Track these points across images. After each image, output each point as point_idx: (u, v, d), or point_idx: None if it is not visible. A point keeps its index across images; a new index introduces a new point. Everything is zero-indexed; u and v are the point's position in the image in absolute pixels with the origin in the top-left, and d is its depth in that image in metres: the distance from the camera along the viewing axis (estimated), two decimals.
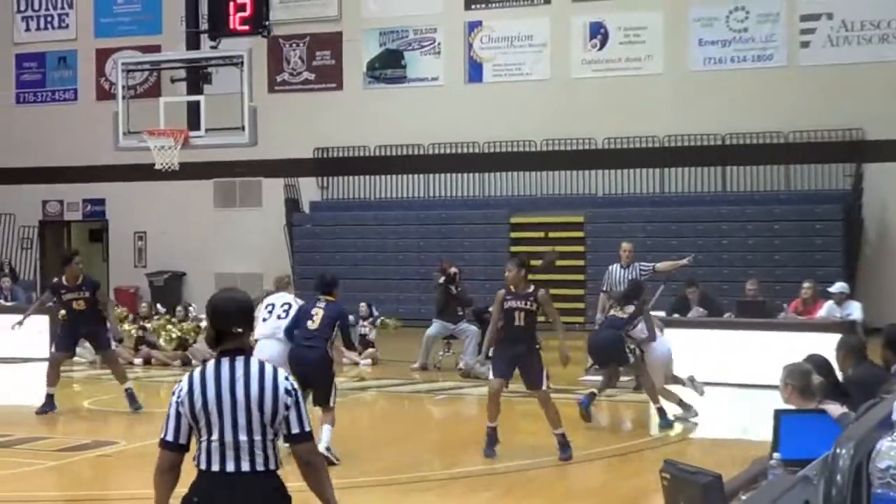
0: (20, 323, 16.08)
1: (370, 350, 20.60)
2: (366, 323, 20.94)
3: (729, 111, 26.68)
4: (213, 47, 21.42)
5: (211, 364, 5.33)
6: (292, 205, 29.41)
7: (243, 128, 19.81)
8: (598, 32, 28.43)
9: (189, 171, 23.40)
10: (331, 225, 29.02)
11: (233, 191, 30.48)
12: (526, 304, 12.15)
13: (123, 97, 20.90)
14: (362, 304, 21.23)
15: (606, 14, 28.26)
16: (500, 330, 12.31)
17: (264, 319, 13.07)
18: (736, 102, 26.73)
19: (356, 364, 20.06)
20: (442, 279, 19.46)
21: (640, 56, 28.08)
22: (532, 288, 12.29)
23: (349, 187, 29.92)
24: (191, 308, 21.36)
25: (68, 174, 31.36)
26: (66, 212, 32.45)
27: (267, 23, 20.96)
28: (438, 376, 18.86)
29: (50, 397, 15.16)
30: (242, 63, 19.77)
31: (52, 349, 15.35)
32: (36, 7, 32.83)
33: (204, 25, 21.74)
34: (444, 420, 15.91)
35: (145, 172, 23.66)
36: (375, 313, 21.34)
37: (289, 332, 12.43)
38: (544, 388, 12.12)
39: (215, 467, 5.27)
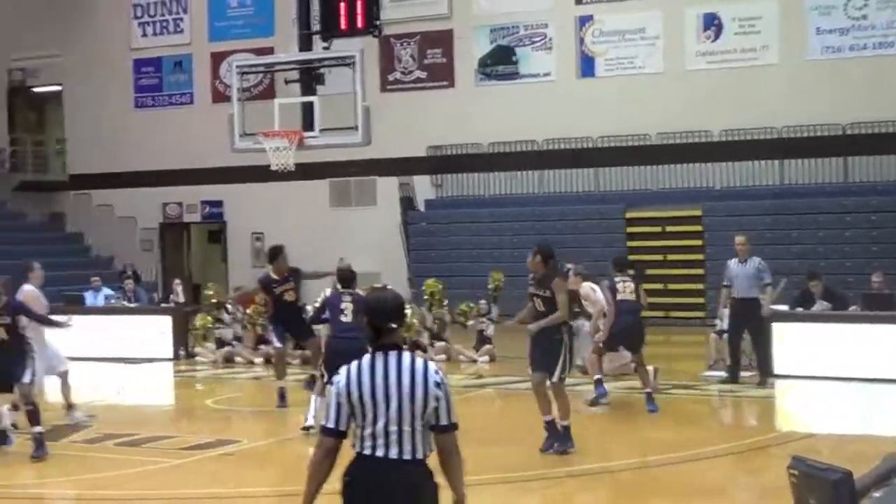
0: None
1: (487, 347, 20.54)
2: (484, 319, 20.87)
3: (849, 100, 26.13)
4: (325, 48, 21.55)
5: (367, 357, 5.67)
6: (407, 203, 29.52)
7: (357, 127, 19.89)
8: (712, 24, 28.06)
9: (304, 172, 23.53)
10: (446, 223, 29.06)
11: (348, 190, 30.69)
12: (542, 291, 12.12)
13: (238, 99, 21.13)
14: (482, 301, 21.17)
15: (720, 5, 27.89)
16: (523, 318, 12.50)
17: None
18: (856, 91, 26.16)
19: (474, 361, 20.05)
20: None
21: (756, 46, 27.65)
22: (549, 275, 12.23)
23: (463, 185, 29.93)
24: (307, 308, 21.46)
25: (186, 177, 31.86)
26: (186, 214, 32.96)
27: (378, 22, 21.01)
28: None
29: (282, 391, 15.36)
30: (355, 63, 19.85)
31: (276, 344, 15.47)
32: (152, 13, 33.39)
33: (316, 26, 21.88)
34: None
35: (261, 173, 23.88)
36: (494, 311, 21.23)
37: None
38: (555, 379, 11.95)
39: (367, 452, 5.62)
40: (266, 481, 11.88)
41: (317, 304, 15.05)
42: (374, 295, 5.95)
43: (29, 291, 14.04)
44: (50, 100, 35.80)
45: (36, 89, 35.77)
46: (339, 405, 5.67)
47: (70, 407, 14.52)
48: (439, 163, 29.96)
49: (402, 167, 29.53)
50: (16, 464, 12.20)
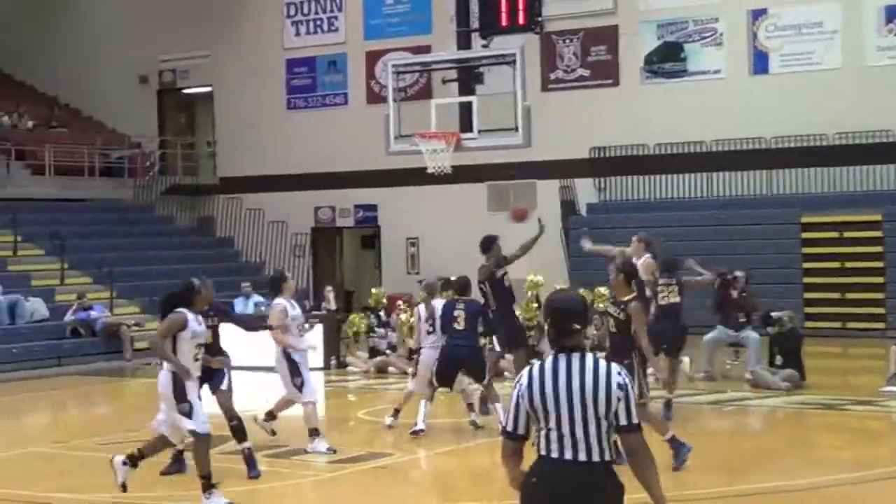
0: None
1: None
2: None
3: None
4: (484, 46, 21.70)
5: (549, 360, 5.85)
6: (568, 207, 29.53)
7: (517, 128, 19.98)
8: (895, 17, 27.53)
9: (461, 175, 23.69)
10: (609, 227, 28.93)
11: (506, 194, 30.77)
12: (617, 311, 12.11)
13: (394, 100, 21.40)
14: None
15: None
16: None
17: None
18: None
19: None
20: (717, 282, 19.15)
21: None
22: (631, 296, 12.13)
23: (628, 188, 29.83)
24: None
25: (340, 180, 32.32)
26: (339, 218, 33.45)
27: (539, 18, 21.12)
28: (725, 386, 18.61)
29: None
30: (515, 61, 19.95)
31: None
32: (305, 11, 33.99)
33: (475, 24, 22.07)
34: (732, 433, 15.66)
35: (417, 177, 24.12)
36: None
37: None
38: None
39: (553, 455, 5.79)
40: (418, 498, 12.06)
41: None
42: (557, 296, 6.14)
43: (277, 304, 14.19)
44: (200, 101, 36.70)
45: (186, 91, 36.70)
46: (517, 408, 5.85)
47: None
48: (602, 165, 29.91)
49: (563, 170, 29.55)
50: (156, 474, 12.53)
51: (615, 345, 12.14)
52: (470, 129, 20.64)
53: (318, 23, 33.89)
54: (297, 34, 34.19)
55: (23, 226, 28.72)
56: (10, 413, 19.34)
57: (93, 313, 25.71)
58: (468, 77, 21.36)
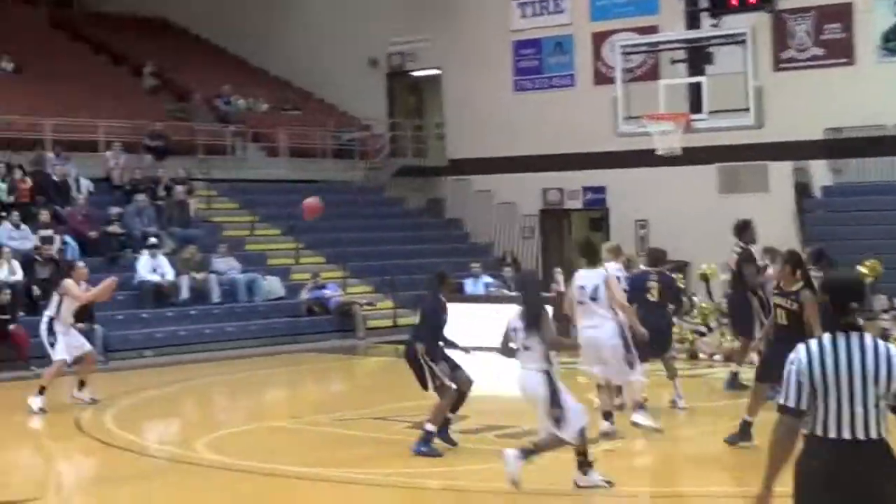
0: None
1: None
2: (887, 317, 20.28)
3: None
4: (713, 25, 21.52)
5: (828, 337, 5.91)
6: (802, 189, 28.96)
7: (748, 109, 19.80)
8: None
9: (691, 156, 23.49)
10: (845, 211, 28.31)
11: (737, 175, 30.33)
12: (787, 302, 11.92)
13: (622, 81, 21.42)
14: (881, 296, 20.61)
15: None
16: (770, 328, 12.64)
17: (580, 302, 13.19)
18: None
19: None
20: None
21: None
22: (799, 286, 11.94)
23: (865, 170, 29.00)
24: (695, 299, 21.49)
25: (568, 162, 32.31)
26: (567, 200, 33.47)
27: None
28: None
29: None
30: (746, 41, 19.78)
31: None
32: None
33: (704, 3, 21.90)
34: None
35: (646, 158, 24.07)
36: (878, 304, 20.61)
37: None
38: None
39: (832, 434, 5.82)
40: (637, 479, 12.11)
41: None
42: (836, 274, 6.28)
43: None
44: (429, 84, 37.16)
45: (415, 73, 37.24)
46: (799, 384, 5.88)
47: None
48: (838, 146, 29.17)
49: (796, 151, 28.94)
50: (392, 453, 12.84)
51: (788, 335, 11.42)
52: (699, 110, 20.55)
53: (545, 4, 33.93)
54: (524, 16, 34.30)
55: (259, 206, 29.69)
56: (249, 388, 20.06)
57: (326, 292, 26.45)
58: (697, 57, 21.27)
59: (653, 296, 14.54)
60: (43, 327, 16.69)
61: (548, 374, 10.54)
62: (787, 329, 11.84)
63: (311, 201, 18.07)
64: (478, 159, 33.93)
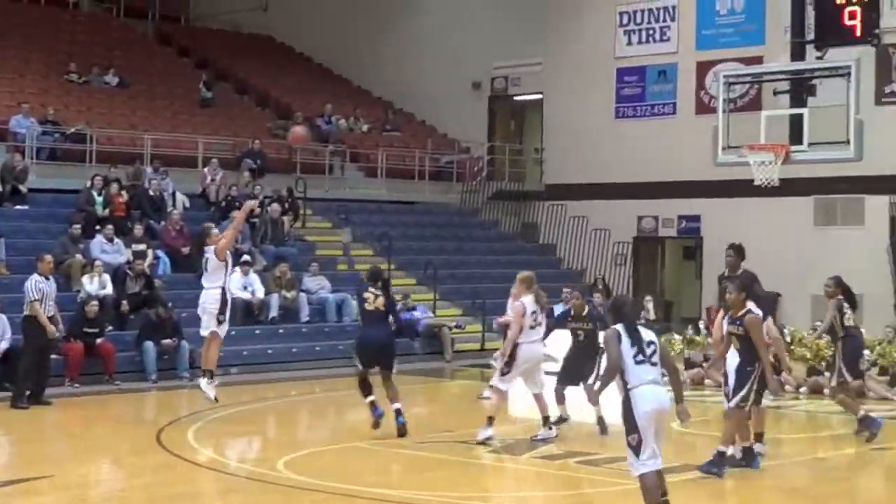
0: None
1: None
2: None
3: None
4: (818, 58, 21.20)
5: None
6: None
7: (848, 141, 19.46)
8: None
9: (788, 187, 23.14)
10: None
11: (834, 208, 29.83)
12: (735, 328, 12.91)
13: (724, 111, 21.14)
14: None
15: None
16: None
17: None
18: None
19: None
20: None
21: None
22: (744, 311, 12.90)
23: None
24: (786, 331, 21.10)
25: (664, 189, 32.01)
26: (661, 228, 33.15)
27: (877, 30, 20.46)
28: None
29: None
30: (850, 74, 19.43)
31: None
32: (638, 21, 33.86)
33: (810, 35, 21.57)
34: None
35: (743, 188, 23.73)
36: None
37: None
38: (731, 405, 12.98)
39: None
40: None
41: None
42: None
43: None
44: (530, 108, 37.07)
45: (517, 97, 37.16)
46: None
47: (546, 421, 15.17)
48: None
49: (894, 185, 28.37)
50: (473, 476, 12.72)
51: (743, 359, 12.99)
52: (800, 142, 20.22)
53: (651, 32, 33.70)
54: (629, 43, 34.08)
55: (354, 226, 29.73)
56: (334, 408, 20.03)
57: (416, 314, 26.37)
58: (800, 89, 20.92)
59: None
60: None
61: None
62: (742, 352, 12.91)
63: (299, 130, 20.04)
64: (575, 185, 33.75)
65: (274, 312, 24.61)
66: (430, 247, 30.79)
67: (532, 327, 15.02)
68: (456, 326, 26.42)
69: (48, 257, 18.96)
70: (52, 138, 27.88)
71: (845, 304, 16.18)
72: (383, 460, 14.27)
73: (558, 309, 25.32)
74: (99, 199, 25.25)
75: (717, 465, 12.87)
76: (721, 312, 14.35)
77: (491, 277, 29.54)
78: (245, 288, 24.31)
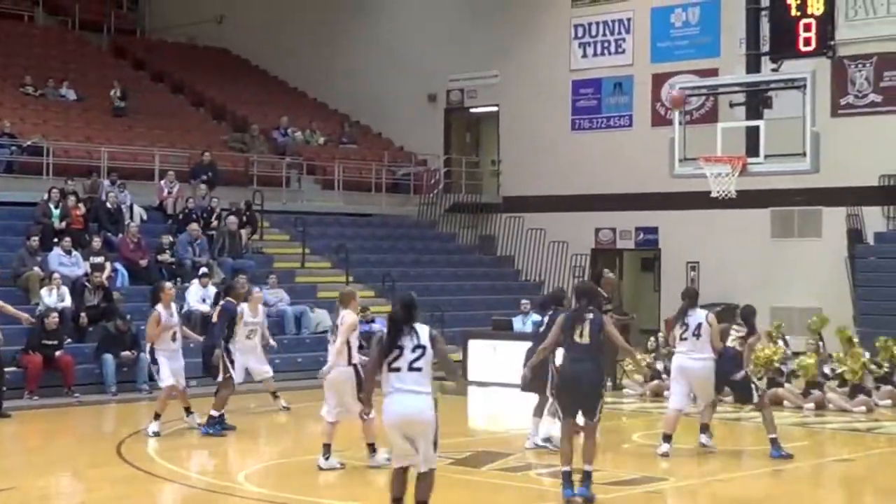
0: None
1: None
2: None
3: None
4: (774, 70, 21.38)
5: None
6: (855, 236, 28.64)
7: (804, 154, 19.63)
8: None
9: (745, 199, 23.34)
10: None
11: (791, 220, 30.09)
12: None
13: (680, 123, 21.29)
14: None
15: None
16: None
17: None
18: None
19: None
20: None
21: None
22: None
23: None
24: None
25: (622, 202, 32.20)
26: (619, 240, 33.32)
27: (832, 43, 20.65)
28: None
29: None
30: (805, 86, 19.61)
31: None
32: (593, 33, 34.02)
33: (765, 47, 21.75)
34: None
35: (700, 200, 23.94)
36: None
37: None
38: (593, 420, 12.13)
39: None
40: None
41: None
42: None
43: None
44: (486, 120, 37.16)
45: (473, 109, 37.23)
46: None
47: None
48: (893, 193, 28.85)
49: (851, 197, 28.65)
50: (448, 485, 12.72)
51: None
52: (756, 154, 20.37)
53: (606, 45, 33.88)
54: (584, 55, 34.24)
55: (311, 239, 29.69)
56: (294, 420, 19.94)
57: (374, 326, 26.31)
58: (756, 101, 21.09)
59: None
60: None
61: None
62: None
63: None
64: (532, 197, 33.90)
65: None
66: (387, 259, 30.80)
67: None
68: None
69: None
70: (8, 151, 27.74)
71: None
72: (342, 474, 14.22)
73: (517, 321, 25.48)
74: (56, 212, 25.10)
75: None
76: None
77: (449, 290, 29.62)
78: (203, 300, 24.19)
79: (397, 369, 9.70)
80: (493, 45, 35.18)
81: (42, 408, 19.77)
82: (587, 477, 11.84)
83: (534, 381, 14.51)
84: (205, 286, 24.36)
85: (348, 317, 14.21)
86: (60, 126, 30.23)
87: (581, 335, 12.04)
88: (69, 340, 21.59)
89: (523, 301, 26.46)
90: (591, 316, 12.13)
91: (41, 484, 13.83)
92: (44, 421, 18.85)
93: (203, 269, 24.88)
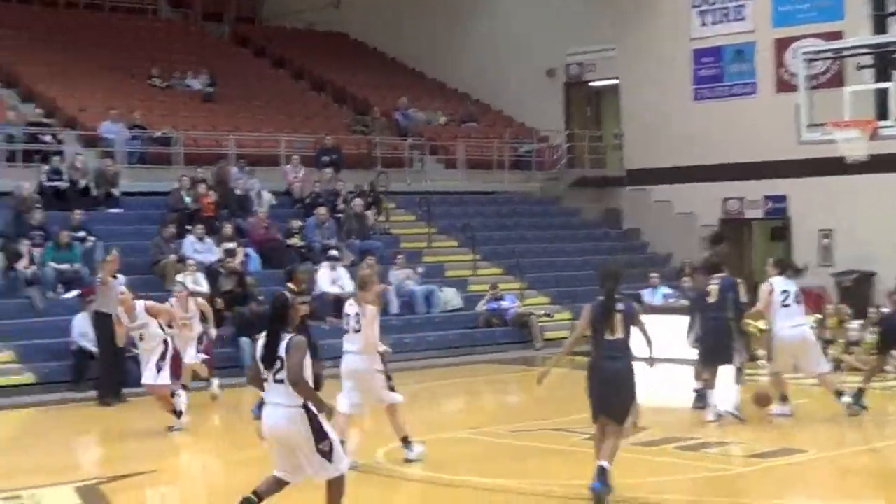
0: None
1: None
2: None
3: None
4: None
5: None
6: None
7: None
8: None
9: (879, 164, 22.92)
10: None
11: None
12: None
13: (805, 88, 21.01)
14: None
15: None
16: None
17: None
18: None
19: None
20: None
21: None
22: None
23: None
24: (883, 311, 20.84)
25: (748, 171, 31.74)
26: (746, 210, 32.89)
27: None
28: None
29: None
30: None
31: None
32: (712, 1, 33.61)
33: (892, 7, 21.39)
34: None
35: (830, 166, 23.59)
36: None
37: None
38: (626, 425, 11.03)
39: None
40: (826, 496, 11.81)
41: None
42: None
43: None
44: (606, 94, 36.93)
45: (593, 83, 37.04)
46: None
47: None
48: None
49: None
50: (569, 464, 12.77)
51: None
52: (886, 117, 20.05)
53: (725, 12, 33.42)
54: (704, 24, 33.84)
55: (437, 218, 29.87)
56: (427, 399, 20.13)
57: (504, 303, 26.47)
58: (884, 63, 20.75)
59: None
60: None
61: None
62: None
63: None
64: (656, 169, 33.60)
65: None
66: (512, 236, 30.86)
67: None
68: (544, 315, 26.46)
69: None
70: (139, 142, 28.33)
71: None
72: (481, 449, 14.35)
73: (647, 295, 25.40)
74: (188, 200, 25.65)
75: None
76: None
77: (575, 265, 29.56)
78: (334, 283, 24.54)
79: (267, 380, 9.23)
80: (611, 18, 34.96)
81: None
82: (602, 472, 10.75)
83: (724, 351, 14.57)
84: (334, 269, 24.69)
85: (371, 310, 12.95)
86: (188, 116, 30.79)
87: (612, 331, 10.89)
88: None
89: (652, 274, 26.38)
90: (621, 307, 10.94)
91: (184, 466, 14.17)
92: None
93: (333, 252, 25.21)
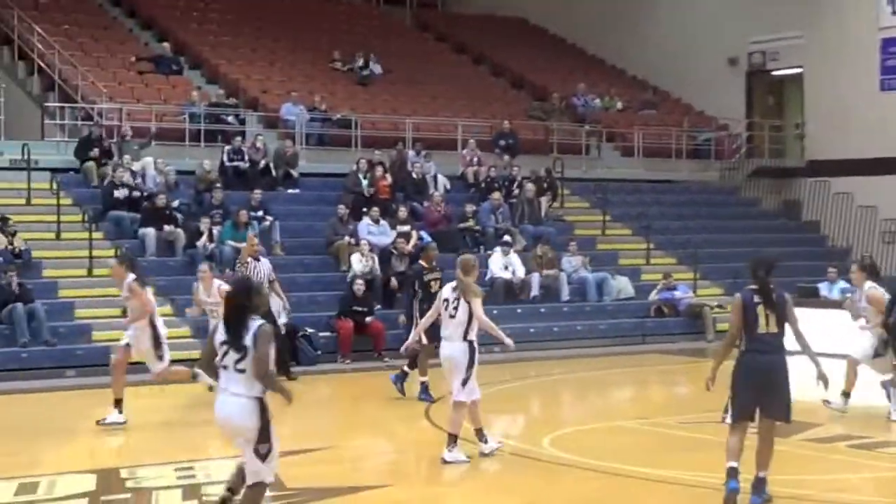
0: None
1: None
2: None
3: None
4: None
5: None
6: None
7: None
8: None
9: None
10: None
11: None
12: None
13: None
14: None
15: None
16: None
17: None
18: None
19: None
20: None
21: None
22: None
23: None
24: None
25: None
26: None
27: None
28: None
29: None
30: None
31: None
32: None
33: None
34: None
35: None
36: None
37: None
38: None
39: None
40: None
41: None
42: None
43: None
44: (789, 83, 36.28)
45: (775, 72, 36.41)
46: None
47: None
48: None
49: None
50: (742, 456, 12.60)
51: None
52: None
53: None
54: (894, 12, 32.98)
55: (612, 206, 29.71)
56: (596, 387, 20.12)
57: (677, 293, 26.22)
58: None
59: None
60: None
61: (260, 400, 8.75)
62: None
63: None
64: (838, 160, 32.89)
65: (535, 291, 24.90)
66: (689, 226, 30.52)
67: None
68: (717, 306, 26.13)
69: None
70: (319, 125, 28.79)
71: None
72: (645, 439, 14.28)
73: (824, 288, 24.86)
74: (364, 182, 25.99)
75: None
76: None
77: (752, 256, 29.05)
78: (506, 268, 24.62)
79: (225, 367, 8.75)
80: (795, 6, 34.27)
81: (355, 371, 20.62)
82: (760, 483, 10.29)
83: None
84: (506, 254, 24.77)
85: (478, 305, 12.37)
86: (368, 99, 31.17)
87: (767, 323, 10.23)
88: (378, 307, 22.35)
89: (830, 268, 25.81)
90: (776, 297, 10.24)
91: (355, 444, 14.39)
92: (354, 385, 19.60)
93: (506, 237, 25.28)
